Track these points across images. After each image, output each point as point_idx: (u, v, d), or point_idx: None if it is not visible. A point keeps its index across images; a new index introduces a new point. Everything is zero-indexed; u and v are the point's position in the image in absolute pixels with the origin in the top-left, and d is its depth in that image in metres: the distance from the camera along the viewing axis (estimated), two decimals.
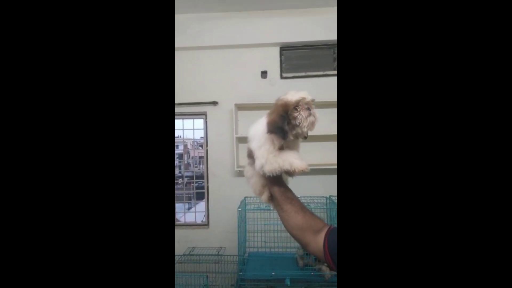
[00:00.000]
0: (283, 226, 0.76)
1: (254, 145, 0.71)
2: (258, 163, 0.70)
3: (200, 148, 2.75)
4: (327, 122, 2.56)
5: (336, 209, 2.12)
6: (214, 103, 2.63)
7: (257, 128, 0.72)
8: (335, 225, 0.69)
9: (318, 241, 0.68)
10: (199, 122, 2.73)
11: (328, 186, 2.41)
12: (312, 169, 2.73)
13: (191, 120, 2.73)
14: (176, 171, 2.75)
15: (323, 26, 2.55)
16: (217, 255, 2.42)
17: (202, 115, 2.68)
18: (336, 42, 2.60)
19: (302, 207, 0.74)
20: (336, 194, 2.30)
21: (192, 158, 2.94)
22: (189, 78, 2.60)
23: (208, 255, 2.41)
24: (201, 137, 2.72)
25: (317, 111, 2.81)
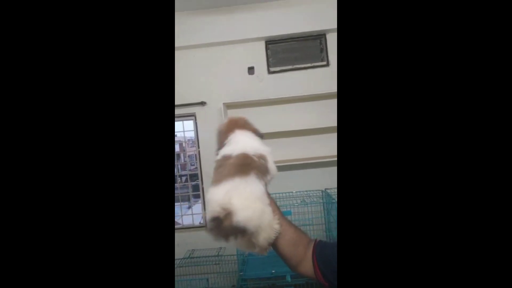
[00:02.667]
0: None
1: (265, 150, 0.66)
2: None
3: (194, 146, 2.72)
4: (318, 115, 2.56)
5: (331, 202, 2.12)
6: (202, 103, 2.59)
7: (250, 144, 0.67)
8: (319, 238, 0.66)
9: (309, 257, 0.64)
10: (189, 124, 2.69)
11: (323, 179, 2.40)
12: (306, 163, 2.71)
13: (181, 122, 2.69)
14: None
15: (307, 17, 2.50)
16: (217, 256, 2.41)
17: (191, 116, 2.64)
18: (322, 33, 2.56)
19: (289, 220, 0.69)
20: (331, 187, 2.30)
21: (189, 156, 2.90)
22: (175, 79, 2.54)
23: (208, 256, 2.40)
24: (193, 136, 2.69)
25: (308, 104, 2.77)
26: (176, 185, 2.76)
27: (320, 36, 2.58)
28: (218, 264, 2.38)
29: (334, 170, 2.52)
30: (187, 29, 2.51)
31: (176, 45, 2.51)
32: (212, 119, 2.58)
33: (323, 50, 2.58)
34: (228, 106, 2.55)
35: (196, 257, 2.42)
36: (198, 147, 2.64)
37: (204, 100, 2.58)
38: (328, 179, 2.35)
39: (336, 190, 2.20)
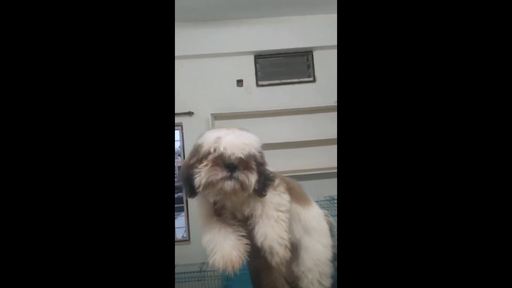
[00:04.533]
0: None
1: None
2: None
3: (179, 157, 2.65)
4: (304, 128, 2.60)
5: None
6: (190, 113, 2.56)
7: None
8: None
9: None
10: (175, 134, 2.63)
11: (312, 192, 2.40)
12: (295, 176, 2.70)
13: None
14: None
15: (295, 34, 2.59)
16: (200, 271, 2.31)
17: (178, 126, 2.59)
18: (309, 50, 2.65)
19: None
20: (319, 200, 2.30)
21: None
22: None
23: (191, 272, 2.29)
24: (179, 146, 2.64)
25: (296, 118, 2.78)
26: None
27: (307, 53, 2.67)
28: (201, 280, 2.27)
29: (321, 182, 2.54)
30: (177, 40, 2.51)
31: None
32: (199, 129, 2.55)
33: (310, 66, 2.67)
34: (216, 116, 2.54)
35: (178, 273, 2.30)
36: (184, 158, 2.58)
37: (191, 110, 2.56)
38: (316, 191, 2.36)
39: (324, 203, 2.20)
